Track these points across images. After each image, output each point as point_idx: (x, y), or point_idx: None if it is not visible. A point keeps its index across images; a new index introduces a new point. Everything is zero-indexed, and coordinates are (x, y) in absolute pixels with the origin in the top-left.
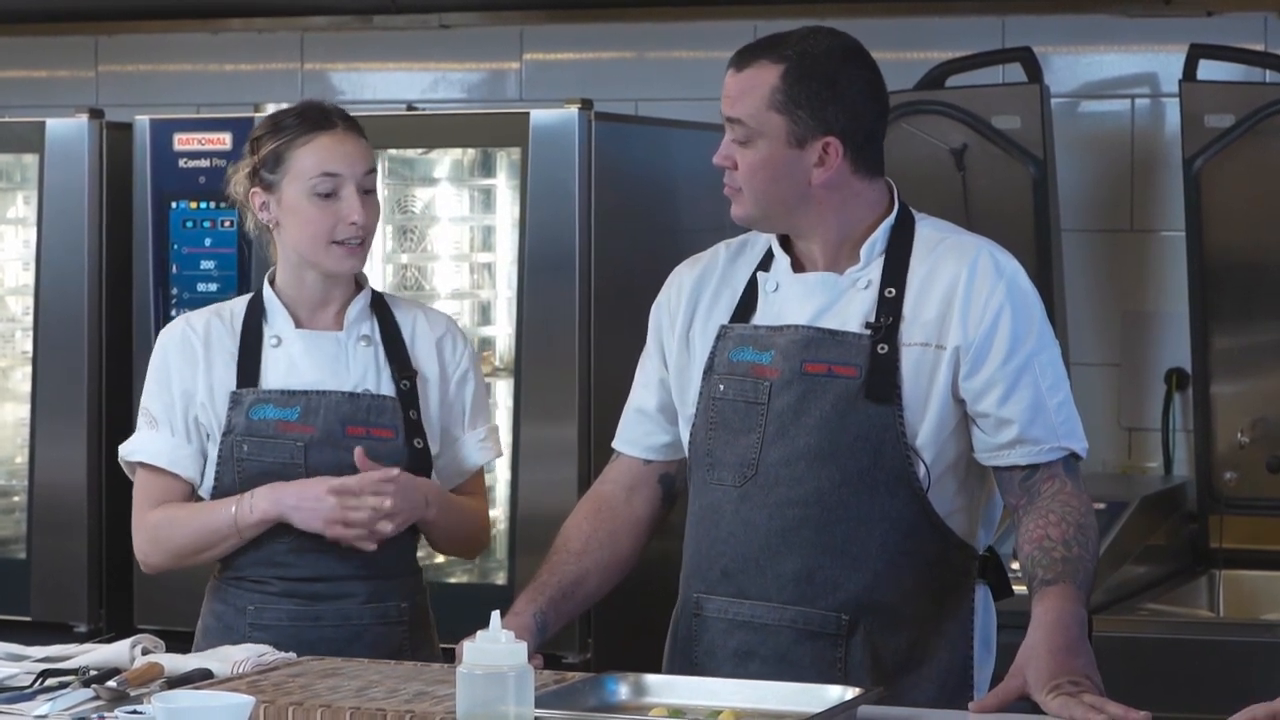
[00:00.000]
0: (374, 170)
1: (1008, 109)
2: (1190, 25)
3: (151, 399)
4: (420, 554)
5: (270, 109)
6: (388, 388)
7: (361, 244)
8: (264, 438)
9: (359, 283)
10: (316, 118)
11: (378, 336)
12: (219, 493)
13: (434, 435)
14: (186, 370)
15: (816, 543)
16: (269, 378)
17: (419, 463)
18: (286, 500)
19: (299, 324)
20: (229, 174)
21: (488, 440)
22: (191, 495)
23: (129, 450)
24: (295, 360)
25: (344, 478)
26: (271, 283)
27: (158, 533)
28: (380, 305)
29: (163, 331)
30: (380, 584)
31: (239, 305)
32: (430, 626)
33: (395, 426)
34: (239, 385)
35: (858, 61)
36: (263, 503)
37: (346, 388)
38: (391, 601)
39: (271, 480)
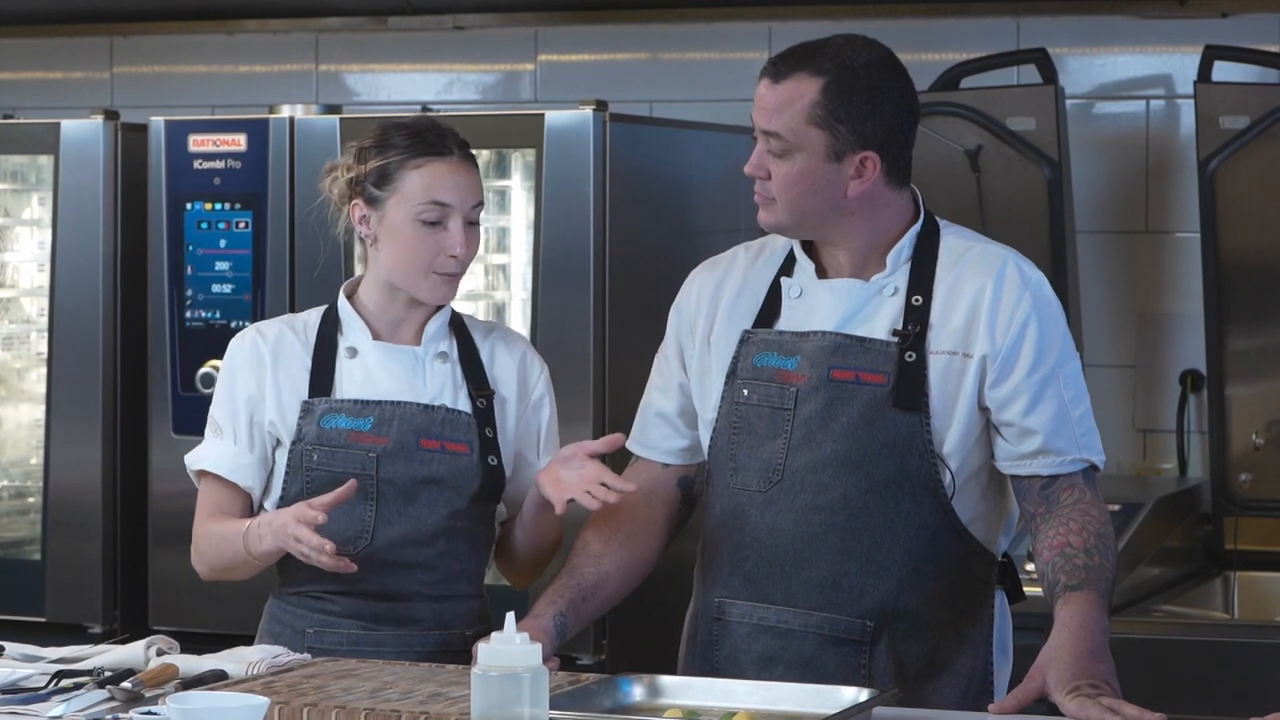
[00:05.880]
0: (481, 204)
1: (1023, 110)
2: (1205, 26)
3: (217, 407)
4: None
5: (285, 110)
6: (464, 404)
7: (457, 275)
8: (334, 447)
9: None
10: (433, 141)
11: (455, 355)
12: (285, 503)
13: (509, 456)
14: (252, 377)
15: (842, 549)
16: (343, 388)
17: (493, 481)
18: (263, 530)
19: (376, 337)
20: (325, 171)
21: None
22: (251, 504)
23: (193, 459)
24: (371, 371)
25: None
26: (349, 295)
27: (200, 545)
28: (458, 325)
29: (233, 341)
30: (446, 607)
31: (313, 317)
32: None
33: (470, 442)
34: (311, 395)
35: (894, 73)
36: (265, 530)
37: (423, 401)
38: (455, 629)
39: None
